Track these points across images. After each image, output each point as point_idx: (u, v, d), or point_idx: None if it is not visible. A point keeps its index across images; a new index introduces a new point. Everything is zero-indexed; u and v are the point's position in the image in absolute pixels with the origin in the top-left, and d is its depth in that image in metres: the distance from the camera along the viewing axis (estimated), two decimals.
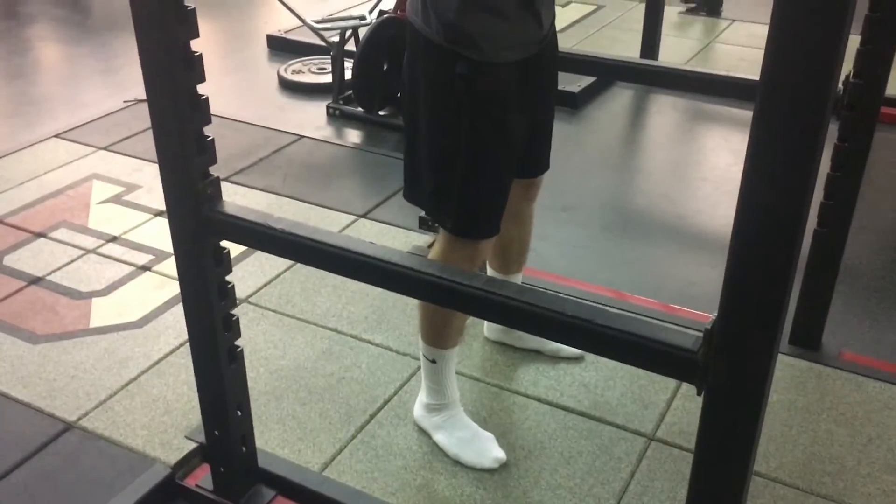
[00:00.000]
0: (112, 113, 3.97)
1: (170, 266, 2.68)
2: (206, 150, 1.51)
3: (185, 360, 2.30)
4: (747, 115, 1.00)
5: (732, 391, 1.16)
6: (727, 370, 1.15)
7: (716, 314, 1.15)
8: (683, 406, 2.17)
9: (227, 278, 1.69)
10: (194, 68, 1.44)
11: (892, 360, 2.35)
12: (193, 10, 1.40)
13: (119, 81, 4.46)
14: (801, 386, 2.24)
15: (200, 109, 1.48)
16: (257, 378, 2.27)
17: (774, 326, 1.10)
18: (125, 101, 4.07)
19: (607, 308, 1.30)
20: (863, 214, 2.35)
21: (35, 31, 5.39)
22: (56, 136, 3.73)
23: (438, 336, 1.96)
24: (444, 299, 1.52)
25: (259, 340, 2.43)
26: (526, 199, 2.08)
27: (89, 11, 5.86)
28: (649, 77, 2.81)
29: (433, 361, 1.99)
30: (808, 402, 2.19)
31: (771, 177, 0.99)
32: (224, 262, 1.65)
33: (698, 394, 1.21)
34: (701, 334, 1.18)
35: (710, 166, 3.62)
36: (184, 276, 1.66)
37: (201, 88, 1.48)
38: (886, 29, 2.03)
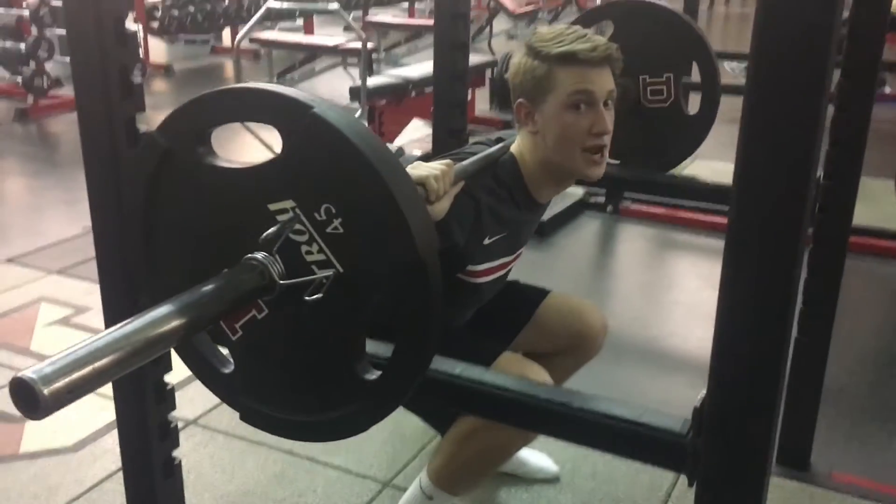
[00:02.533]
0: (69, 239, 3.86)
1: None
2: None
3: (121, 485, 2.08)
4: (713, 243, 0.93)
5: (729, 478, 1.02)
6: (721, 454, 1.01)
7: (703, 392, 1.03)
8: None
9: (166, 378, 1.54)
10: None
11: (885, 481, 2.20)
12: None
13: (81, 210, 4.35)
14: None
15: None
16: None
17: (772, 401, 0.98)
18: (84, 227, 3.97)
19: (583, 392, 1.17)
20: (841, 339, 2.31)
21: (0, 166, 5.35)
22: (7, 260, 3.60)
23: (461, 483, 1.78)
24: None
25: (205, 464, 2.22)
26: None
27: (57, 147, 5.87)
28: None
29: (430, 498, 1.79)
30: None
31: (754, 261, 0.91)
32: (162, 359, 1.51)
33: (690, 485, 1.07)
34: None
35: (680, 289, 3.56)
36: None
37: None
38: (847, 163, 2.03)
